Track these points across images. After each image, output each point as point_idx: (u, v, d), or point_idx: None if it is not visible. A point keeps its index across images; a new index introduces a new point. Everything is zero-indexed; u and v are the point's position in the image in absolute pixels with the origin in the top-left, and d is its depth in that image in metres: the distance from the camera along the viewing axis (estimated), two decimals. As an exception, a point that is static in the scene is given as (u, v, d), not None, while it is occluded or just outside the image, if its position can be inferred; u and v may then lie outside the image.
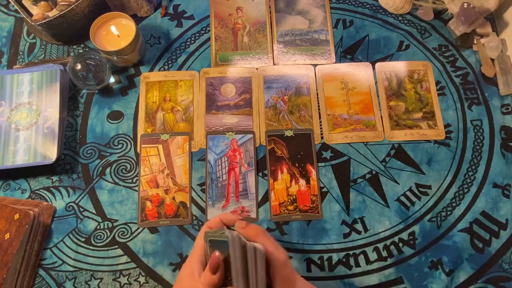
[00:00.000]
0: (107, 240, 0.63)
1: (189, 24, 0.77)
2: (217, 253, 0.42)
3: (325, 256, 0.63)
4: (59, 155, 0.65)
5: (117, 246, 0.63)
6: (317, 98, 0.72)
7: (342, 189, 0.67)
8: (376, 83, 0.73)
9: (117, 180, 0.67)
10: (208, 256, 0.45)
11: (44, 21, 0.68)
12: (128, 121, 0.70)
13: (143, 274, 0.62)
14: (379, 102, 0.72)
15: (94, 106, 0.71)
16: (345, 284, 0.62)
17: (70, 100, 0.71)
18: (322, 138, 0.70)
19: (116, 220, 0.65)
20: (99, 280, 0.61)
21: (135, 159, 0.68)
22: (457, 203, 0.67)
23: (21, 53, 0.74)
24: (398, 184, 0.67)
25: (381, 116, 0.71)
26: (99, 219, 0.65)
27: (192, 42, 0.76)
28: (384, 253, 0.64)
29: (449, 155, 0.69)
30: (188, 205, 0.65)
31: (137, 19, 0.77)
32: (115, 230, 0.64)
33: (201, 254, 0.46)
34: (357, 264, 0.63)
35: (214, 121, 0.70)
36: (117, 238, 0.64)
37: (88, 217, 0.65)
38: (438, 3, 0.78)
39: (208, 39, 0.76)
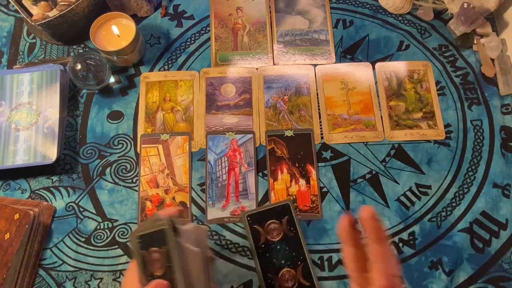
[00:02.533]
0: (107, 240, 0.63)
1: (189, 24, 0.77)
2: (165, 282, 0.41)
3: (325, 256, 0.63)
4: (59, 155, 0.65)
5: (117, 246, 0.63)
6: (317, 98, 0.72)
7: (342, 189, 0.67)
8: (376, 83, 0.73)
9: (117, 180, 0.67)
10: (140, 260, 0.43)
11: (44, 21, 0.68)
12: (128, 121, 0.70)
13: (143, 274, 0.62)
14: (379, 102, 0.72)
15: (94, 106, 0.71)
16: (345, 284, 0.62)
17: (70, 100, 0.71)
18: (322, 138, 0.70)
19: (116, 220, 0.65)
20: (99, 280, 0.61)
21: (135, 159, 0.68)
22: (457, 203, 0.67)
23: (21, 53, 0.74)
24: (398, 184, 0.67)
25: (381, 116, 0.71)
26: (99, 219, 0.65)
27: (192, 42, 0.76)
28: (384, 253, 0.64)
29: (449, 155, 0.69)
30: (188, 205, 0.65)
31: (137, 19, 0.77)
32: (115, 230, 0.64)
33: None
34: (357, 264, 0.63)
35: (214, 121, 0.70)
36: (117, 238, 0.64)
37: (88, 217, 0.65)
38: (438, 3, 0.78)
39: (208, 39, 0.76)
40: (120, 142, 0.69)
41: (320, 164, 0.68)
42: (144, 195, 0.66)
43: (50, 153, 0.64)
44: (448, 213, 0.66)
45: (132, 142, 0.69)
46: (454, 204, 0.66)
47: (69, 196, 0.66)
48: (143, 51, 0.74)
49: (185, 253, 0.42)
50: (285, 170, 0.67)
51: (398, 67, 0.75)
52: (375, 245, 0.36)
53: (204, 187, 0.67)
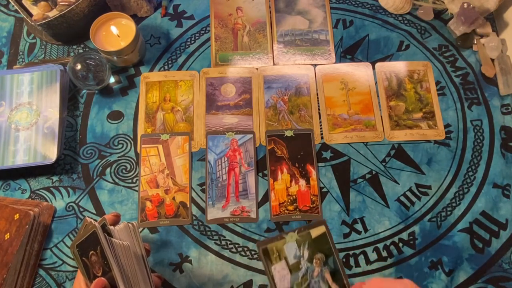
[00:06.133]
0: (107, 240, 0.63)
1: (189, 24, 0.77)
2: (102, 278, 0.45)
3: (325, 256, 0.63)
4: (59, 155, 0.65)
5: (117, 246, 0.63)
6: (317, 98, 0.72)
7: (342, 189, 0.67)
8: (376, 83, 0.73)
9: (117, 180, 0.67)
10: (82, 266, 0.47)
11: (44, 21, 0.68)
12: (128, 121, 0.70)
13: (143, 274, 0.62)
14: (379, 102, 0.72)
15: (94, 106, 0.71)
16: (345, 284, 0.62)
17: (70, 100, 0.71)
18: (322, 138, 0.70)
19: (116, 220, 0.65)
20: (99, 280, 0.61)
21: (135, 159, 0.68)
22: (457, 203, 0.67)
23: (21, 53, 0.74)
24: (398, 184, 0.67)
25: (381, 116, 0.71)
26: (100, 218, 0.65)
27: (192, 42, 0.76)
28: (384, 253, 0.64)
29: (449, 155, 0.69)
30: (188, 205, 0.65)
31: (137, 19, 0.77)
32: (115, 230, 0.64)
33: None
34: (357, 264, 0.63)
35: (214, 121, 0.70)
36: (117, 238, 0.64)
37: (89, 217, 0.64)
38: (438, 3, 0.78)
39: (208, 39, 0.76)
40: (120, 142, 0.69)
41: (320, 164, 0.68)
42: (144, 195, 0.66)
43: (50, 153, 0.64)
44: (448, 213, 0.66)
45: (132, 142, 0.69)
46: (454, 204, 0.66)
47: (69, 196, 0.66)
48: (143, 51, 0.74)
49: (117, 248, 0.45)
50: (285, 170, 0.67)
51: (398, 67, 0.75)
52: None
53: (204, 187, 0.67)
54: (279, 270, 0.44)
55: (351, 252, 0.64)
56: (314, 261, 0.45)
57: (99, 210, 0.65)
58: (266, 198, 0.66)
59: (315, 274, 0.45)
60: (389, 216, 0.66)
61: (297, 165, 0.68)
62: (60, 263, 0.62)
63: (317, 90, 0.73)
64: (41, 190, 0.66)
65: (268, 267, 0.44)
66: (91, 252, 0.46)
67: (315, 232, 0.45)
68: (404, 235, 0.65)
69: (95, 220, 0.47)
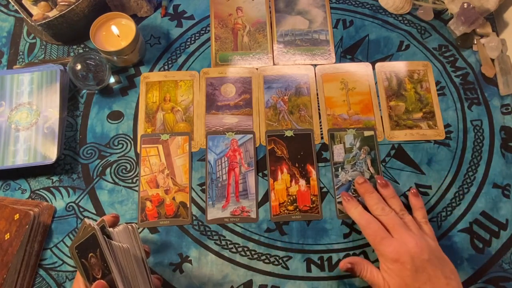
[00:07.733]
0: (107, 240, 0.63)
1: (189, 24, 0.77)
2: (102, 280, 0.45)
3: (325, 256, 0.63)
4: (59, 155, 0.65)
5: (117, 246, 0.63)
6: (317, 98, 0.72)
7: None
8: (376, 83, 0.73)
9: (117, 180, 0.67)
10: (81, 268, 0.47)
11: (44, 21, 0.68)
12: (128, 121, 0.70)
13: (143, 274, 0.62)
14: (379, 102, 0.72)
15: (94, 106, 0.71)
16: (345, 284, 0.62)
17: (70, 100, 0.71)
18: (322, 138, 0.70)
19: (116, 220, 0.65)
20: (99, 280, 0.61)
21: (135, 159, 0.68)
22: (457, 203, 0.67)
23: (21, 53, 0.74)
24: (398, 184, 0.67)
25: (381, 116, 0.71)
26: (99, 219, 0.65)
27: (192, 42, 0.76)
28: (384, 253, 0.64)
29: (449, 155, 0.69)
30: (188, 205, 0.65)
31: (137, 19, 0.77)
32: (115, 230, 0.64)
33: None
34: (357, 264, 0.63)
35: (214, 121, 0.70)
36: (117, 238, 0.64)
37: (88, 217, 0.65)
38: (438, 3, 0.78)
39: (208, 39, 0.76)
40: (120, 142, 0.69)
41: (320, 164, 0.68)
42: (144, 195, 0.66)
43: (50, 153, 0.65)
44: (448, 213, 0.66)
45: (132, 142, 0.69)
46: (454, 204, 0.66)
47: (69, 196, 0.66)
48: (143, 51, 0.74)
49: (116, 250, 0.46)
50: (285, 170, 0.67)
51: (398, 67, 0.75)
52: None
53: (204, 187, 0.67)
54: (338, 149, 0.67)
55: (351, 252, 0.64)
56: (362, 149, 0.66)
57: (99, 210, 0.65)
58: (266, 198, 0.66)
59: (361, 158, 0.66)
60: (389, 216, 0.66)
61: (297, 165, 0.68)
62: (60, 263, 0.62)
63: (317, 90, 0.73)
64: (41, 190, 0.66)
65: None
66: (90, 254, 0.46)
67: (366, 133, 0.67)
68: (404, 235, 0.65)
69: (95, 221, 0.47)
